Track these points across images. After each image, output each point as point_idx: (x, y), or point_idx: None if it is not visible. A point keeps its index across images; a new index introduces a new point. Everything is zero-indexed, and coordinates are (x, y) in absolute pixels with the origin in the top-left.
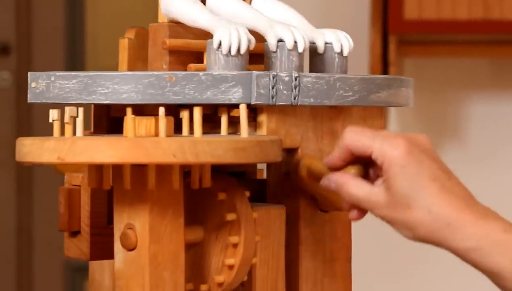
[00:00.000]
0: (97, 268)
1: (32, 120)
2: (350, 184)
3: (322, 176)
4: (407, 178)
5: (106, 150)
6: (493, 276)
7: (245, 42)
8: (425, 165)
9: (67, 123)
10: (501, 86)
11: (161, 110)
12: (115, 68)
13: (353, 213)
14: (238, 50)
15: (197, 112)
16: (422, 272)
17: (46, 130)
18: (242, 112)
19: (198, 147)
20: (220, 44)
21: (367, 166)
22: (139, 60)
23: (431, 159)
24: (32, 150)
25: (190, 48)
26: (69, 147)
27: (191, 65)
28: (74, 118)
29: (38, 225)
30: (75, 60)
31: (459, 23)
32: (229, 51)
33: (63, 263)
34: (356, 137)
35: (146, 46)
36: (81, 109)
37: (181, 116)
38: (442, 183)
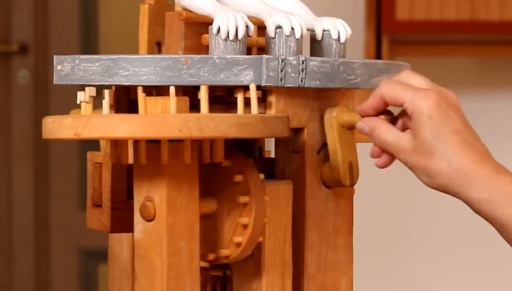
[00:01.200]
0: (116, 241)
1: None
2: (382, 129)
3: (353, 122)
4: (432, 127)
5: (118, 126)
6: (501, 226)
7: (242, 27)
8: (450, 118)
9: (87, 102)
10: (487, 84)
11: (172, 89)
12: None
13: (380, 160)
14: (236, 35)
15: (203, 90)
16: (423, 246)
17: None
18: (252, 91)
19: (202, 122)
20: (219, 30)
21: (396, 118)
22: (158, 24)
23: (456, 114)
24: (54, 127)
25: (205, 20)
26: (84, 123)
27: (205, 35)
28: (93, 98)
29: (54, 213)
30: None
31: (448, 24)
32: (228, 36)
33: (78, 249)
34: (391, 87)
35: (164, 12)
36: (107, 91)
37: (199, 97)
38: (464, 137)
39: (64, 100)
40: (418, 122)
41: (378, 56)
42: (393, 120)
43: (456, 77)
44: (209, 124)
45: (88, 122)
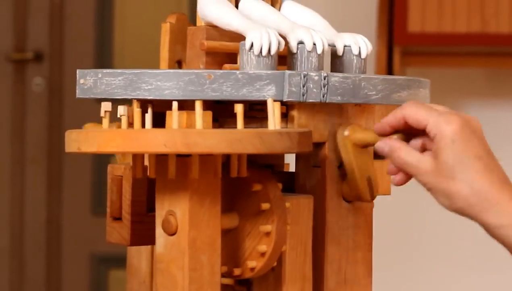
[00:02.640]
0: (135, 254)
1: (63, 122)
2: (402, 150)
3: (367, 141)
4: (455, 152)
5: (108, 141)
6: None
7: (275, 44)
8: (473, 143)
9: (102, 117)
10: (496, 94)
11: (174, 104)
12: None
13: (396, 178)
14: (269, 51)
15: (198, 105)
16: (439, 261)
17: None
18: (269, 106)
19: (189, 138)
20: (252, 46)
21: (409, 138)
22: (179, 43)
23: (479, 139)
24: (67, 141)
25: (226, 50)
26: (84, 138)
27: (226, 65)
28: (109, 113)
29: (66, 218)
30: (104, 67)
31: (459, 36)
32: (260, 52)
33: (89, 254)
34: (415, 109)
35: (185, 31)
36: (149, 107)
37: (235, 111)
38: (486, 162)
39: (78, 108)
40: (440, 146)
41: (390, 67)
42: (406, 140)
43: (465, 88)
44: (197, 139)
45: (86, 136)
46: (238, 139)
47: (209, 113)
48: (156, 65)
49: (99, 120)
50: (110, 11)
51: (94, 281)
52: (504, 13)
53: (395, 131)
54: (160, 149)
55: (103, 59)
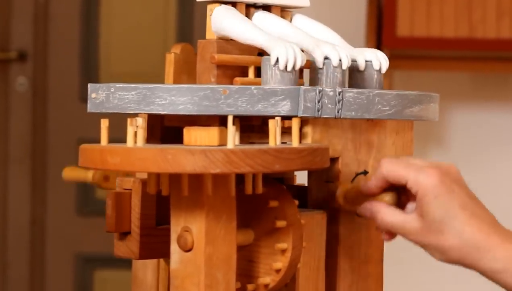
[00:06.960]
0: (140, 266)
1: (47, 122)
2: (384, 212)
3: (358, 202)
4: (440, 206)
5: (79, 156)
6: None
7: (300, 59)
8: (455, 193)
9: (134, 131)
10: (481, 98)
11: (139, 120)
12: (127, 75)
13: (386, 235)
14: (293, 66)
15: (141, 120)
16: (448, 273)
17: (59, 131)
18: (229, 123)
19: (102, 156)
20: (277, 61)
21: (399, 192)
22: (184, 73)
23: (460, 188)
24: None
25: (236, 63)
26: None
27: (237, 79)
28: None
29: (51, 218)
30: (89, 67)
31: (446, 41)
32: (285, 67)
33: (74, 255)
34: (392, 168)
35: (190, 61)
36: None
37: (270, 126)
38: (471, 210)
39: (62, 107)
40: (424, 202)
41: None
42: (397, 198)
43: (452, 90)
44: (106, 157)
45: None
46: (140, 158)
47: (224, 130)
48: (143, 66)
49: (82, 121)
50: (95, 11)
51: (78, 281)
52: (491, 19)
53: (384, 190)
54: (88, 164)
55: (88, 59)
